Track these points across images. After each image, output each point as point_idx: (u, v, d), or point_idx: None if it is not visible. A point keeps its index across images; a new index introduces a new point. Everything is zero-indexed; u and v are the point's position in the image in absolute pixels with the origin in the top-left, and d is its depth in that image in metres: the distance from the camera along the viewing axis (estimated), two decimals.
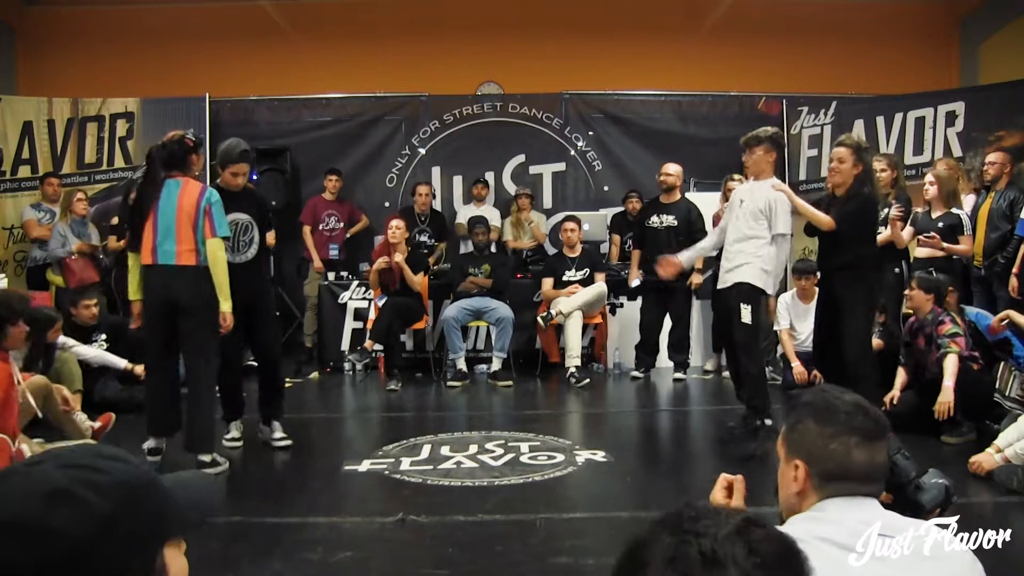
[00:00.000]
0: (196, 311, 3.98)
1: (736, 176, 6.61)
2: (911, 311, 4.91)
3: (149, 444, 4.09)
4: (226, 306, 4.01)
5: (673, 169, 6.43)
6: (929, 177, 5.65)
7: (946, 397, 4.28)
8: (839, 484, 1.41)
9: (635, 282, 6.73)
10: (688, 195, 6.72)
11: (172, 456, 4.07)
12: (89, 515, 0.76)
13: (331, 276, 7.26)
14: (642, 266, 6.53)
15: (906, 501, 1.44)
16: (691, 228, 6.29)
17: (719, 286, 4.85)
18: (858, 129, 7.86)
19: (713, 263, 6.41)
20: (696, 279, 6.42)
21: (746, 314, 4.51)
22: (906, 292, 4.87)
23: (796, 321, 6.03)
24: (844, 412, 1.44)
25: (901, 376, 4.84)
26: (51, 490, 0.76)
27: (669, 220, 6.36)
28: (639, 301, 6.84)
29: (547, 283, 6.82)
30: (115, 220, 6.73)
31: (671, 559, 0.70)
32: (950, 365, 4.35)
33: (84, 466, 0.80)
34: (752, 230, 4.62)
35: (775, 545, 0.73)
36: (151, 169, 4.08)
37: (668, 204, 6.42)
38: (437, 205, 8.18)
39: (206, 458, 3.97)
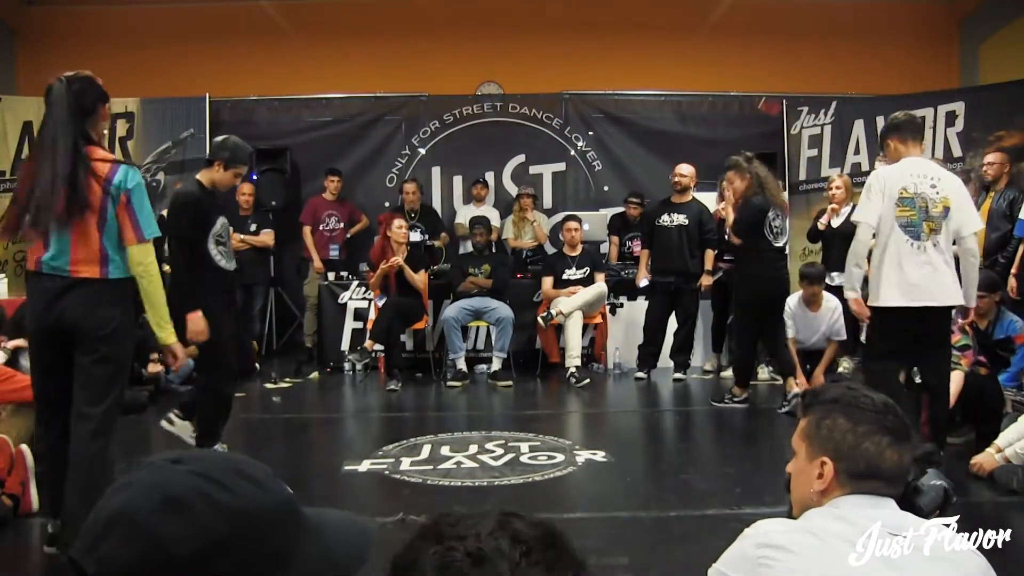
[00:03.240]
0: (97, 343, 2.80)
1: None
2: None
3: (49, 527, 2.94)
4: (167, 335, 3.01)
5: (687, 170, 6.42)
6: None
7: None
8: (866, 483, 1.39)
9: (643, 282, 6.72)
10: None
11: None
12: (200, 533, 0.72)
13: (331, 276, 7.26)
14: (651, 266, 6.56)
15: (905, 504, 1.44)
16: (702, 228, 6.30)
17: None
18: (858, 129, 7.86)
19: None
20: (706, 280, 6.41)
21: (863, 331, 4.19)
22: None
23: (802, 328, 5.86)
24: (874, 411, 1.42)
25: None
26: (173, 496, 0.73)
27: (680, 219, 6.36)
28: (640, 301, 6.85)
29: (547, 282, 6.81)
30: None
31: (441, 568, 0.71)
32: (953, 385, 4.24)
33: (216, 480, 0.76)
34: None
35: (537, 531, 0.74)
36: (63, 120, 2.78)
37: (680, 204, 6.41)
38: (437, 205, 8.19)
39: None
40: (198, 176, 3.97)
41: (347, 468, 4.08)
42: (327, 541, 0.82)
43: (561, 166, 8.42)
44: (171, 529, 0.72)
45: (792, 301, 5.86)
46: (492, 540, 0.72)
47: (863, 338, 4.32)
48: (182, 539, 0.72)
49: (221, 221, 3.91)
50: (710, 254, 6.38)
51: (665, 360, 6.61)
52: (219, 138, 4.08)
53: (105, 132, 3.26)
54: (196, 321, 3.67)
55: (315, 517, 0.82)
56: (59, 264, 2.84)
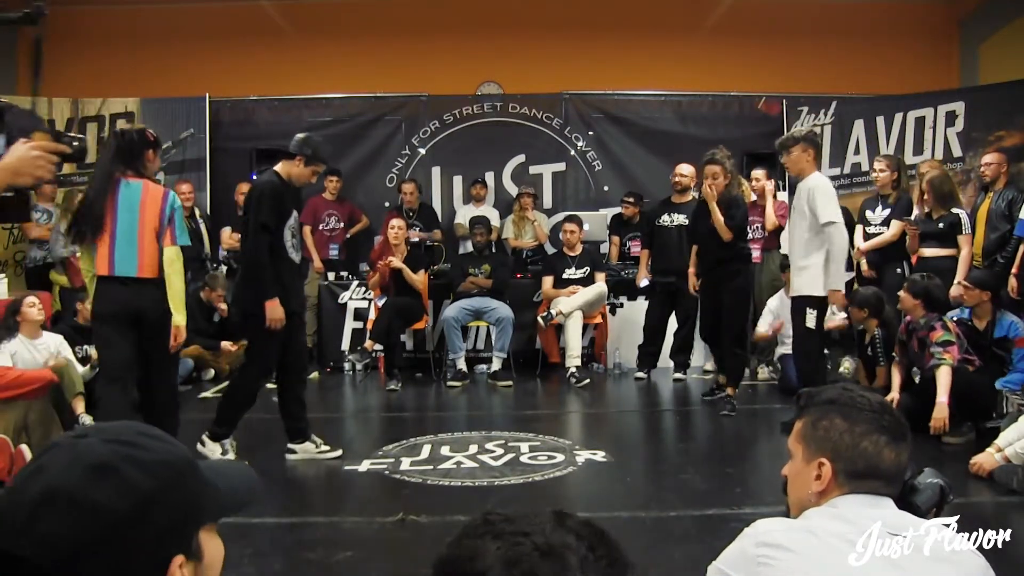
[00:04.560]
0: (164, 326, 3.76)
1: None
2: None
3: None
4: (179, 319, 3.81)
5: (687, 170, 6.41)
6: (923, 185, 5.65)
7: (941, 413, 4.25)
8: (865, 482, 1.39)
9: (644, 282, 6.72)
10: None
11: None
12: (132, 492, 0.77)
13: (331, 276, 7.26)
14: (652, 266, 6.55)
15: (901, 502, 1.44)
16: None
17: (792, 292, 4.94)
18: (858, 129, 7.87)
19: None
20: None
21: (810, 319, 4.61)
22: (899, 293, 4.84)
23: (786, 321, 5.99)
24: (871, 411, 1.42)
25: (897, 376, 4.84)
26: (96, 463, 0.77)
27: (680, 219, 6.34)
28: (640, 301, 6.85)
29: (547, 282, 6.82)
30: None
31: (510, 561, 0.72)
32: (943, 379, 4.30)
33: (128, 442, 0.80)
34: (804, 231, 4.70)
35: (591, 529, 0.78)
36: (105, 162, 3.77)
37: (680, 204, 6.40)
38: (437, 205, 8.19)
39: None
40: (276, 168, 4.07)
41: (347, 468, 4.08)
42: (223, 483, 0.90)
43: (561, 166, 8.42)
44: (104, 493, 0.75)
45: (774, 300, 6.18)
46: (557, 535, 0.74)
47: (812, 325, 4.59)
48: (118, 500, 0.75)
49: (294, 215, 4.05)
50: None
51: (665, 360, 6.61)
52: (302, 135, 4.20)
53: (161, 169, 4.24)
54: (274, 309, 3.90)
55: (206, 466, 0.89)
56: (128, 268, 3.67)
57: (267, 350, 4.03)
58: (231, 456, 4.05)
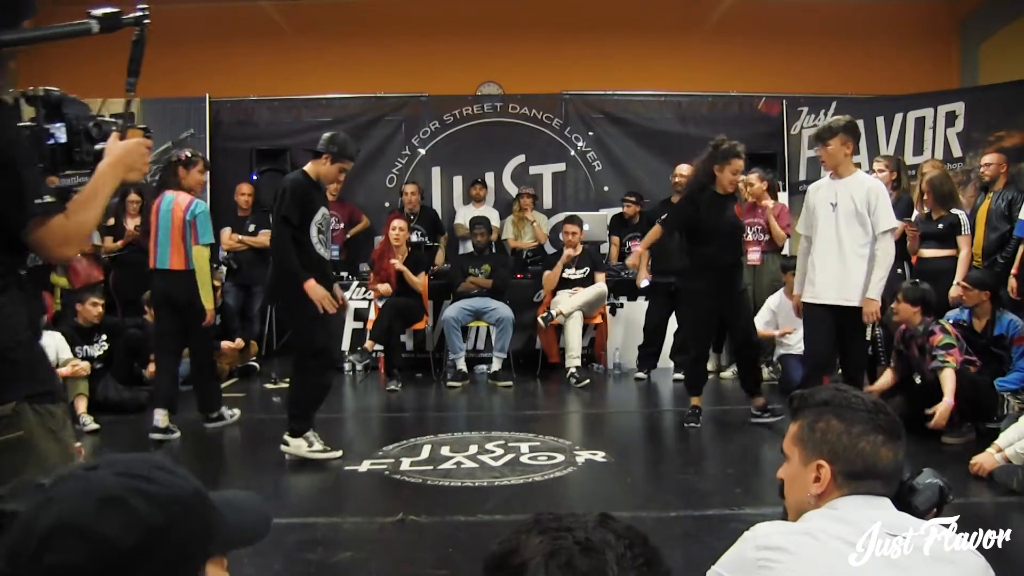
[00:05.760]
0: (193, 307, 4.64)
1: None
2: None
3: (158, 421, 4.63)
4: (207, 304, 4.68)
5: (687, 170, 6.37)
6: (923, 186, 5.64)
7: (945, 408, 4.22)
8: (863, 483, 1.39)
9: (644, 283, 6.71)
10: None
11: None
12: (139, 526, 0.78)
13: None
14: (652, 266, 6.54)
15: (900, 503, 1.44)
16: None
17: (819, 300, 4.33)
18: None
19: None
20: None
21: (868, 333, 4.42)
22: (892, 306, 4.72)
23: (786, 322, 5.98)
24: (866, 411, 1.42)
25: (887, 377, 4.82)
26: (106, 496, 0.78)
27: None
28: (640, 302, 6.84)
29: (548, 274, 6.78)
30: (111, 221, 6.71)
31: (551, 553, 0.77)
32: (949, 381, 4.29)
33: (139, 476, 0.82)
34: (859, 236, 4.27)
35: (633, 531, 0.82)
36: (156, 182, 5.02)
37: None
38: (437, 205, 8.19)
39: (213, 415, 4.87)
40: (305, 168, 4.18)
41: (347, 468, 4.08)
42: (234, 516, 0.91)
43: (561, 166, 8.42)
44: (113, 526, 0.77)
45: (774, 299, 6.12)
46: (598, 533, 0.79)
47: (869, 336, 4.38)
48: (125, 533, 0.77)
49: (323, 211, 4.14)
50: None
51: (665, 360, 6.62)
52: (328, 133, 4.33)
53: (201, 179, 4.98)
54: (314, 288, 3.99)
55: (219, 497, 0.91)
56: (163, 262, 4.70)
57: (317, 338, 4.09)
58: (317, 446, 4.14)
